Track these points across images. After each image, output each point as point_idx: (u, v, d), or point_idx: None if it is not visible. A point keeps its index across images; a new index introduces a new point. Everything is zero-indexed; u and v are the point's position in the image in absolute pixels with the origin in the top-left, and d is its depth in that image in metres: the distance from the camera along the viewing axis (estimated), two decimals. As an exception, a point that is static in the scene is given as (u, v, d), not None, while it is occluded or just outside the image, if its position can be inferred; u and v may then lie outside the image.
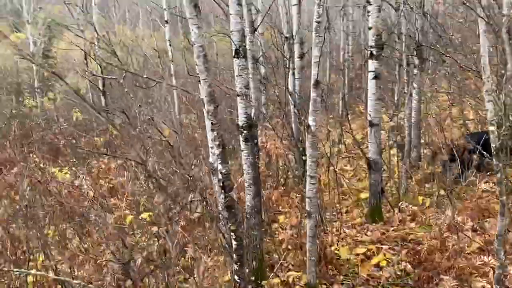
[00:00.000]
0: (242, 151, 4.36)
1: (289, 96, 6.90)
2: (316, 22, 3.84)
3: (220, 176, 2.87)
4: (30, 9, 14.50)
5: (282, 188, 6.81)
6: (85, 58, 11.10)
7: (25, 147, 9.87)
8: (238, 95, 4.28)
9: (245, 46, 4.34)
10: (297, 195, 5.68)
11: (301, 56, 7.23)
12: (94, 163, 8.30)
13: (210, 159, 3.43)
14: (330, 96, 11.02)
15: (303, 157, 5.02)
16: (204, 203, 3.31)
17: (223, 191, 2.90)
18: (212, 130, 2.77)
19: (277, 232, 5.64)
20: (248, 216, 4.53)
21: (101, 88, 11.43)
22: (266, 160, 6.84)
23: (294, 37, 7.14)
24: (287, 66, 7.08)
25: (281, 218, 5.95)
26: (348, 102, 10.61)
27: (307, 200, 4.18)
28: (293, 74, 7.32)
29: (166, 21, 10.61)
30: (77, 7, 11.14)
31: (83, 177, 7.26)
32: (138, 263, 3.04)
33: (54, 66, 15.84)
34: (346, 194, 6.96)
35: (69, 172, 7.84)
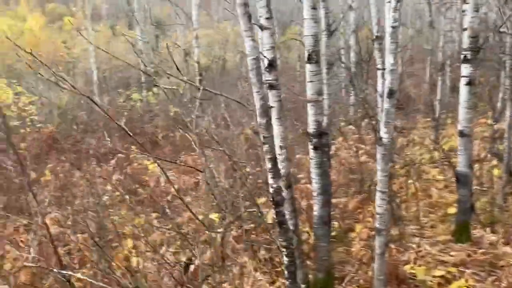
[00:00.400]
0: (311, 159, 4.25)
1: (378, 99, 6.54)
2: (392, 27, 3.57)
3: (271, 191, 2.80)
4: (140, 9, 15.58)
5: (363, 196, 6.50)
6: (185, 56, 11.83)
7: (125, 139, 10.61)
8: (309, 102, 4.17)
9: (318, 50, 4.21)
10: (372, 206, 5.38)
11: (392, 57, 6.79)
12: (184, 157, 8.69)
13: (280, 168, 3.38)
14: (430, 97, 10.29)
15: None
16: (259, 214, 3.27)
17: (274, 206, 2.83)
18: (264, 143, 2.71)
19: (353, 242, 5.41)
20: (315, 226, 4.41)
21: (198, 86, 11.88)
22: (343, 167, 6.56)
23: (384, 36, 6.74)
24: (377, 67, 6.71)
25: (358, 227, 5.70)
26: (447, 104, 9.79)
27: (377, 216, 3.93)
28: (383, 75, 6.92)
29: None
30: (179, 7, 11.67)
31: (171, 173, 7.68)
32: (193, 267, 3.12)
33: (159, 63, 16.84)
34: (434, 206, 6.44)
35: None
